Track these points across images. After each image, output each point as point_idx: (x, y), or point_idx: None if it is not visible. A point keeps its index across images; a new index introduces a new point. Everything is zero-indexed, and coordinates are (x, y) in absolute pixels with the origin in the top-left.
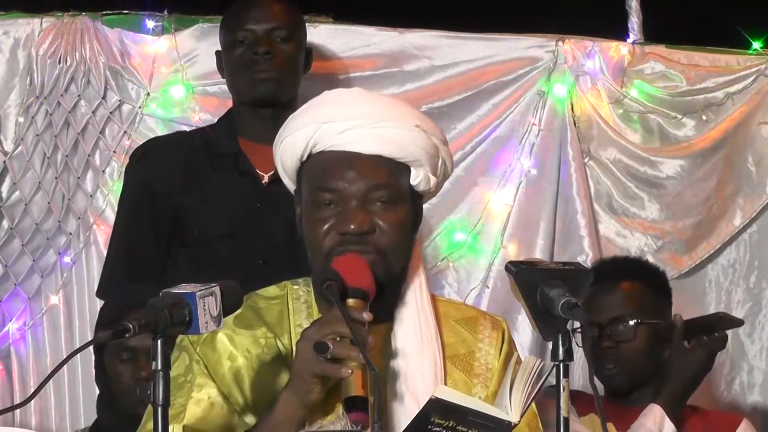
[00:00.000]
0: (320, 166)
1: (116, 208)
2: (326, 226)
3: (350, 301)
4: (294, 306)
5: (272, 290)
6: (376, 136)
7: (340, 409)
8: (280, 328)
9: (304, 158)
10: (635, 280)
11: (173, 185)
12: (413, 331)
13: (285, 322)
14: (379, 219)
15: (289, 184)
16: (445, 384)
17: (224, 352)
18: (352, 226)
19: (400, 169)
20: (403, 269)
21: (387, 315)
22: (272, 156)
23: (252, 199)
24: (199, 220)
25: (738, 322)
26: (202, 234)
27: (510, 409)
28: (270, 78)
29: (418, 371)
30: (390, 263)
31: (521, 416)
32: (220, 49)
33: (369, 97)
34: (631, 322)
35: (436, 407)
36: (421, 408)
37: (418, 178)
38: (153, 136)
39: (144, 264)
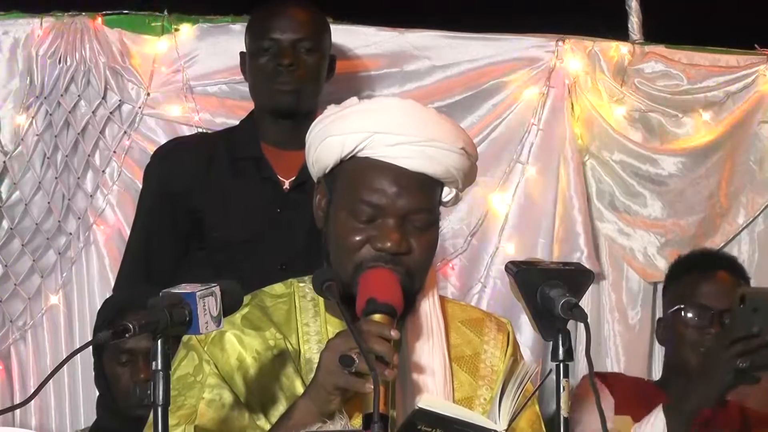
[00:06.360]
0: (363, 173)
1: (136, 206)
2: (361, 237)
3: (377, 316)
4: (301, 304)
5: (278, 288)
6: (424, 155)
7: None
8: (287, 328)
9: (347, 159)
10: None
11: (193, 187)
12: (423, 332)
13: (292, 321)
14: (414, 240)
15: (315, 175)
16: (452, 385)
17: (233, 352)
18: (389, 244)
19: (437, 186)
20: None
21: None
22: (293, 162)
23: (273, 205)
24: (218, 224)
25: None
26: (221, 238)
27: (498, 418)
28: (291, 90)
29: (428, 372)
30: (415, 283)
31: (509, 424)
32: (244, 50)
33: (422, 113)
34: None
35: (421, 416)
36: (406, 416)
37: (449, 195)
38: (178, 136)
39: (160, 264)
